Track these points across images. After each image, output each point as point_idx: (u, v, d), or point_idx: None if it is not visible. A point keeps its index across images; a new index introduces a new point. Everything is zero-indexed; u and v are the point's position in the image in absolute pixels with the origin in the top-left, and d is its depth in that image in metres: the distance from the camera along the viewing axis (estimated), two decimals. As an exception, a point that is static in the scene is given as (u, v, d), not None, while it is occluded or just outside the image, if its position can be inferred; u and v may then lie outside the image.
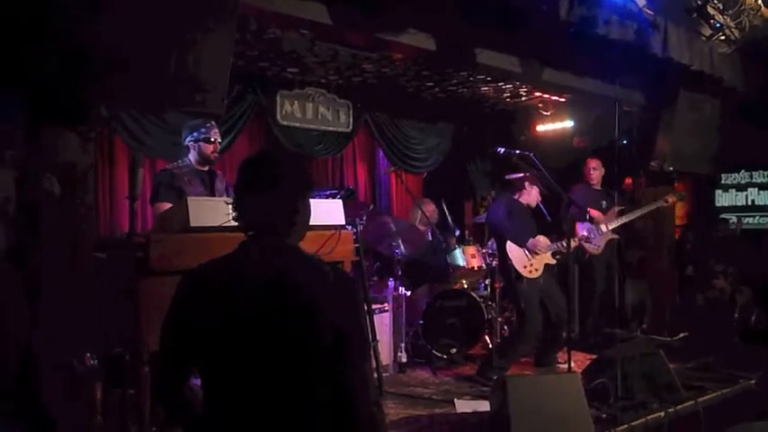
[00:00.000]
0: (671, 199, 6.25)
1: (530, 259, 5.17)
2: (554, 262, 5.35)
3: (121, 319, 3.21)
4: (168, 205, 3.91)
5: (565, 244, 5.22)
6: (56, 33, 2.73)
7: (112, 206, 5.60)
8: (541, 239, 5.25)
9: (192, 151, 4.29)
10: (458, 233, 6.81)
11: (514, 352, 5.19)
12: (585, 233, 5.97)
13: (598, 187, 6.42)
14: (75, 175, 2.97)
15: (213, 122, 4.31)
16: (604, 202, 6.25)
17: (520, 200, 5.30)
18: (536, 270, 5.21)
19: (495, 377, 4.75)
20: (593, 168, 6.38)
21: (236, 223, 1.84)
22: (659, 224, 6.78)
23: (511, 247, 5.16)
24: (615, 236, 6.13)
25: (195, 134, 4.24)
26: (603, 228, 6.01)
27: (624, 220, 6.09)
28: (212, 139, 4.26)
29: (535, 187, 5.31)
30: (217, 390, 1.74)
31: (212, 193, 4.27)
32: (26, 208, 2.60)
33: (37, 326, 2.56)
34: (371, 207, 6.19)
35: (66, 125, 2.97)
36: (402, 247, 5.80)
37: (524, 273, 5.14)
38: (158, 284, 2.95)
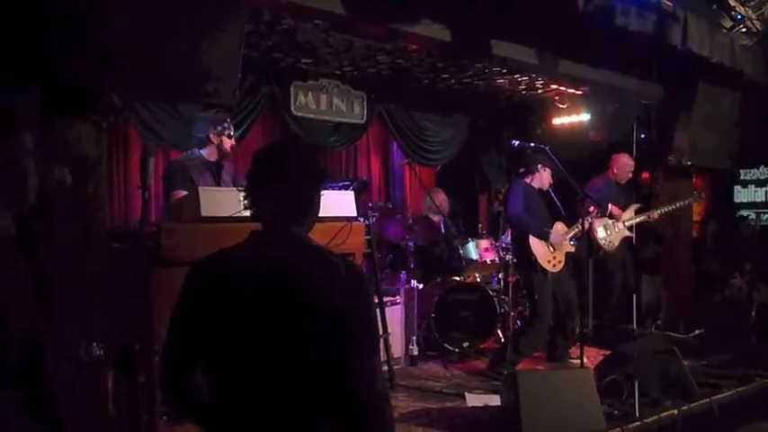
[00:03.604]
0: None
1: (552, 252, 5.16)
2: (573, 249, 5.32)
3: (133, 309, 3.22)
4: (185, 193, 3.93)
5: (579, 227, 5.21)
6: (68, 24, 2.73)
7: (126, 195, 5.62)
8: (560, 229, 5.24)
9: (210, 144, 4.32)
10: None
11: (525, 346, 5.17)
12: (602, 228, 5.93)
13: (622, 183, 6.36)
14: (87, 166, 2.97)
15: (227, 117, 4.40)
16: (623, 199, 6.19)
17: (532, 184, 5.27)
18: (559, 263, 5.22)
19: (506, 372, 4.74)
20: (630, 171, 6.28)
21: (248, 213, 1.83)
22: (676, 220, 6.70)
23: (534, 243, 5.13)
24: (630, 234, 6.08)
25: (219, 128, 4.30)
26: (620, 225, 5.97)
27: (641, 218, 6.04)
28: (232, 134, 4.37)
29: (547, 169, 5.28)
30: (224, 381, 1.73)
31: (219, 184, 4.29)
32: (37, 198, 2.61)
33: (46, 316, 2.57)
34: (388, 204, 6.19)
35: (78, 115, 2.97)
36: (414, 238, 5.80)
37: (549, 267, 5.13)
38: (169, 274, 2.94)
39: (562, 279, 5.31)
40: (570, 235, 5.27)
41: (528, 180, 5.27)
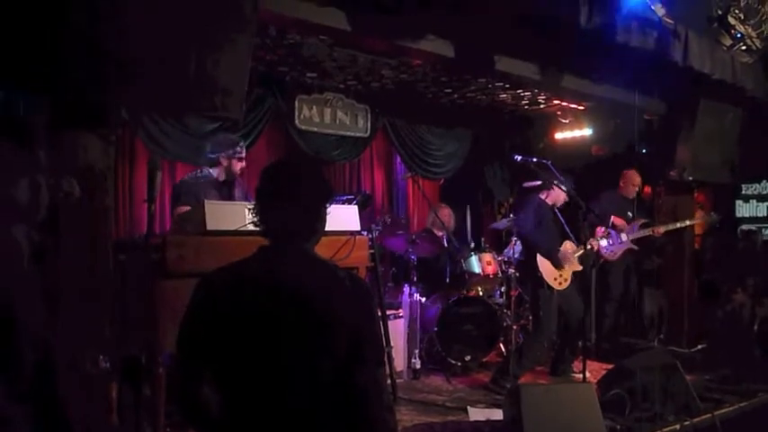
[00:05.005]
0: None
1: (559, 270, 5.16)
2: (580, 268, 5.33)
3: (138, 320, 3.25)
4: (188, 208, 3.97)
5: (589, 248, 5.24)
6: (78, 37, 2.77)
7: (132, 208, 5.66)
8: (569, 248, 5.25)
9: (219, 165, 4.37)
10: (472, 244, 6.80)
11: (528, 359, 5.17)
12: (604, 240, 5.95)
13: (629, 198, 6.38)
14: (94, 178, 3.01)
15: (242, 141, 4.52)
16: (630, 213, 6.21)
17: (546, 200, 5.28)
18: (565, 281, 5.21)
19: (508, 385, 4.74)
20: (634, 185, 6.32)
21: (254, 228, 1.86)
22: (678, 233, 6.71)
23: (541, 260, 5.14)
24: (634, 246, 6.09)
25: (231, 151, 4.36)
26: (624, 237, 5.98)
27: (646, 232, 6.05)
28: (243, 157, 4.42)
29: (561, 184, 5.30)
30: (232, 393, 1.75)
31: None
32: (46, 210, 2.64)
33: (55, 327, 2.59)
34: (389, 218, 6.22)
35: (86, 128, 3.01)
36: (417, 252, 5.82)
37: (555, 285, 5.14)
38: (175, 286, 2.98)
39: (569, 295, 5.29)
40: (578, 255, 5.28)
41: (543, 196, 5.29)
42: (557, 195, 5.28)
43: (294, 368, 1.71)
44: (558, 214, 5.37)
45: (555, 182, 5.20)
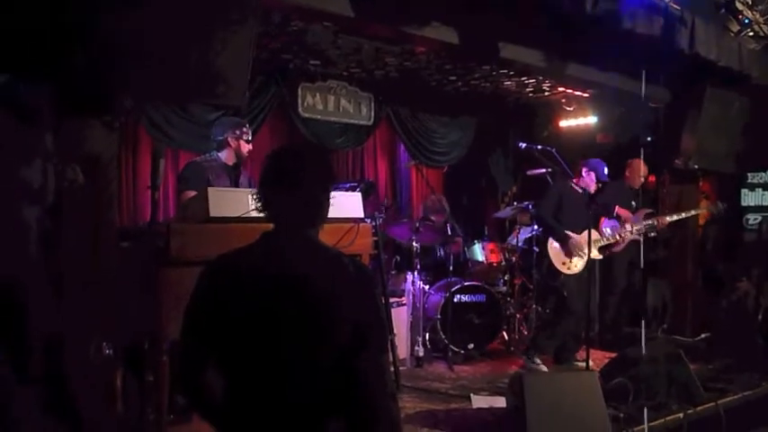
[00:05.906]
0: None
1: (569, 256, 5.19)
2: (600, 257, 5.34)
3: (142, 308, 3.25)
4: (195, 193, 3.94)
5: (610, 238, 5.46)
6: (81, 25, 2.75)
7: (135, 195, 5.65)
8: (584, 235, 5.22)
9: (228, 147, 4.32)
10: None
11: (556, 338, 5.36)
12: (609, 230, 5.93)
13: (635, 187, 6.35)
14: (98, 165, 3.00)
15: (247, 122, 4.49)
16: (634, 203, 6.18)
17: (577, 185, 5.29)
18: (574, 266, 5.26)
19: (538, 360, 5.06)
20: (640, 175, 6.27)
21: (258, 215, 1.85)
22: (683, 223, 6.68)
23: (551, 243, 5.21)
24: (638, 237, 6.07)
25: (237, 132, 4.32)
26: (629, 227, 5.96)
27: (650, 223, 6.02)
28: (250, 140, 4.38)
29: (592, 172, 5.34)
30: (235, 380, 1.76)
31: (236, 187, 4.30)
32: (53, 195, 2.64)
33: (61, 314, 2.60)
34: (389, 204, 6.20)
35: (90, 115, 3.00)
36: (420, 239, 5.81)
37: (562, 269, 5.19)
38: (178, 274, 2.97)
39: (581, 283, 5.30)
40: (600, 245, 5.30)
41: (575, 181, 5.34)
42: (589, 179, 5.33)
43: (297, 354, 1.70)
44: (592, 200, 5.34)
45: (584, 169, 5.31)
